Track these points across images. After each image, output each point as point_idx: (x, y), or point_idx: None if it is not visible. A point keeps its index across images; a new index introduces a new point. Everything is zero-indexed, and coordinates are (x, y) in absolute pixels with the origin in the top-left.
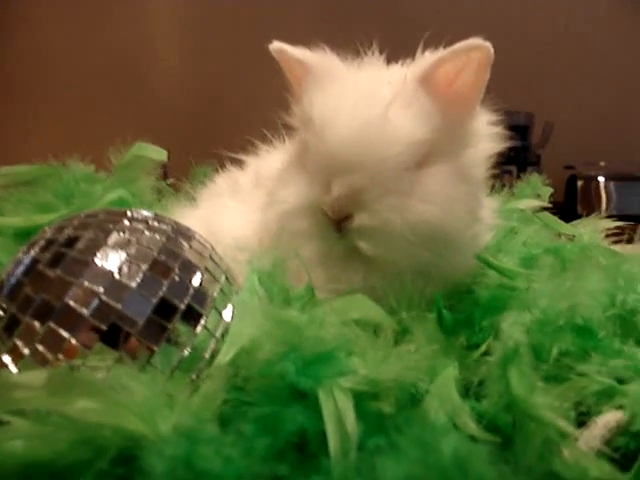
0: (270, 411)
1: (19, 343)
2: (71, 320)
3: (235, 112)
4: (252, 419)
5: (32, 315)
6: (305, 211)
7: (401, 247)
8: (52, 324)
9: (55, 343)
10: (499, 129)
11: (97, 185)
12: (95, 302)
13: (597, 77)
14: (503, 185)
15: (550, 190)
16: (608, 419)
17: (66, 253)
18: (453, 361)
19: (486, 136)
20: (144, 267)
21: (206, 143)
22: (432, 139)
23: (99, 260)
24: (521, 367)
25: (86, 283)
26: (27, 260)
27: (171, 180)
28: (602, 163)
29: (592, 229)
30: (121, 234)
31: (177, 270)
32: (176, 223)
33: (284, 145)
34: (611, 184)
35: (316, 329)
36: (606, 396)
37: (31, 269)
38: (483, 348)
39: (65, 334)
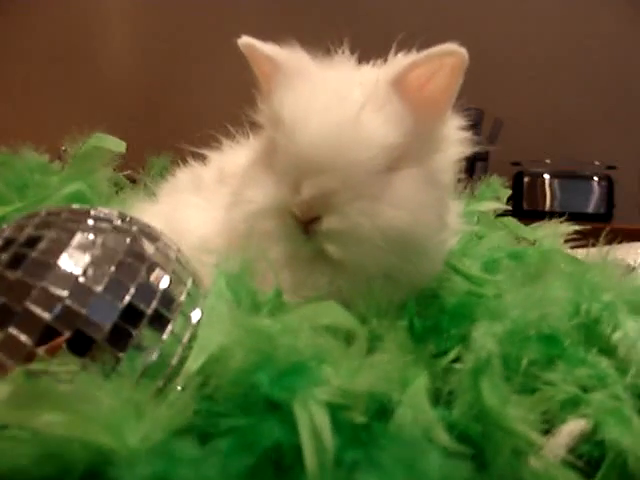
0: (245, 424)
1: None
2: (32, 326)
3: (190, 99)
4: (226, 432)
5: None
6: (272, 212)
7: (369, 252)
8: (11, 330)
9: (15, 350)
10: (468, 134)
11: (53, 177)
12: (59, 307)
13: (546, 75)
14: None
15: (508, 192)
16: (572, 428)
17: (27, 254)
18: (423, 370)
19: (455, 141)
20: (110, 270)
21: (160, 130)
22: (404, 143)
23: (63, 262)
24: (493, 378)
25: (49, 286)
26: None
27: (127, 172)
28: (548, 160)
29: (552, 233)
30: (85, 235)
31: (144, 273)
32: (142, 223)
33: (248, 141)
34: (556, 181)
35: (289, 338)
36: (571, 404)
37: None
38: (451, 356)
39: (26, 340)
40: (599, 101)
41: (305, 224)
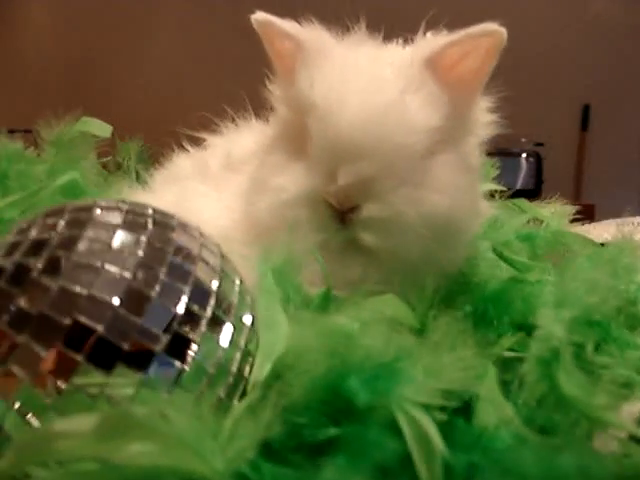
0: (349, 434)
1: (15, 369)
2: (82, 339)
3: (114, 76)
4: (324, 445)
5: (31, 335)
6: (304, 201)
7: (411, 240)
8: (59, 345)
9: (65, 367)
10: (495, 116)
11: (37, 166)
12: (111, 316)
13: None
14: None
15: (497, 172)
16: (631, 409)
17: (66, 257)
18: (487, 361)
19: (484, 123)
20: (161, 271)
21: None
22: (442, 126)
23: (109, 265)
24: (566, 366)
25: (98, 294)
26: (9, 265)
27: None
28: None
29: (558, 213)
30: (127, 232)
31: (196, 273)
32: (178, 216)
33: (252, 124)
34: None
35: (367, 337)
36: (627, 387)
37: (19, 277)
38: (507, 344)
39: (77, 356)
40: (526, 78)
41: (341, 213)
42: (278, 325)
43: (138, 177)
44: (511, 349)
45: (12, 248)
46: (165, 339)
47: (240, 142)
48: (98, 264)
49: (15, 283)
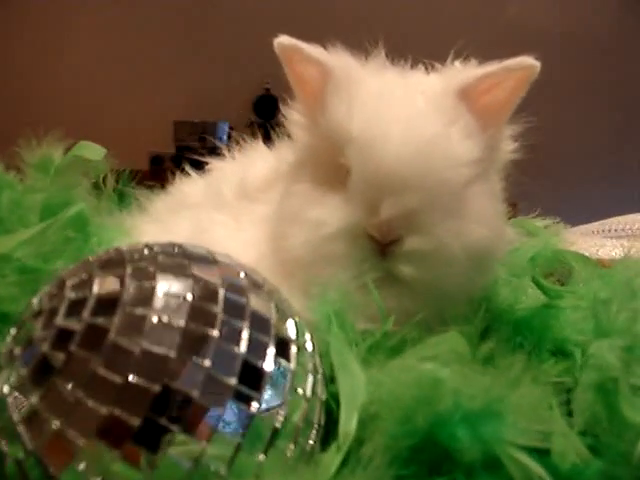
0: None
1: (101, 443)
2: (176, 406)
3: None
4: None
5: (117, 404)
6: (345, 234)
7: (452, 271)
8: (151, 414)
9: (157, 438)
10: (517, 142)
11: (30, 195)
12: (203, 379)
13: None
14: None
15: None
16: None
17: (146, 316)
18: (544, 390)
19: (507, 151)
20: (244, 325)
21: None
22: (479, 157)
23: (193, 322)
24: (625, 393)
25: (186, 355)
26: (78, 327)
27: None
28: None
29: (554, 230)
30: (202, 283)
31: (273, 323)
32: (231, 257)
33: (261, 148)
34: None
35: (453, 380)
36: None
37: (93, 340)
38: (554, 372)
39: (173, 427)
40: None
41: (382, 246)
42: (354, 371)
43: (121, 200)
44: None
45: (75, 306)
46: (258, 397)
47: (253, 168)
48: (181, 323)
49: (89, 347)
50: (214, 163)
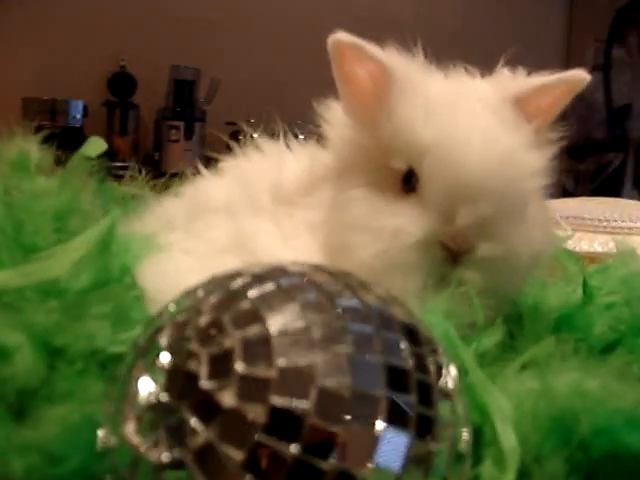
0: None
1: None
2: None
3: None
4: None
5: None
6: (422, 243)
7: (519, 277)
8: None
9: None
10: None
11: (43, 200)
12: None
13: (263, 36)
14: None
15: None
16: None
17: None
18: None
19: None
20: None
21: None
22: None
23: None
24: None
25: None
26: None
27: None
28: (252, 120)
29: None
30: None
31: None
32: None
33: (286, 149)
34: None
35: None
36: None
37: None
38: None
39: None
40: (314, 62)
41: (455, 254)
42: (491, 386)
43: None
44: None
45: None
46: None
47: (285, 169)
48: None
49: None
50: (231, 162)
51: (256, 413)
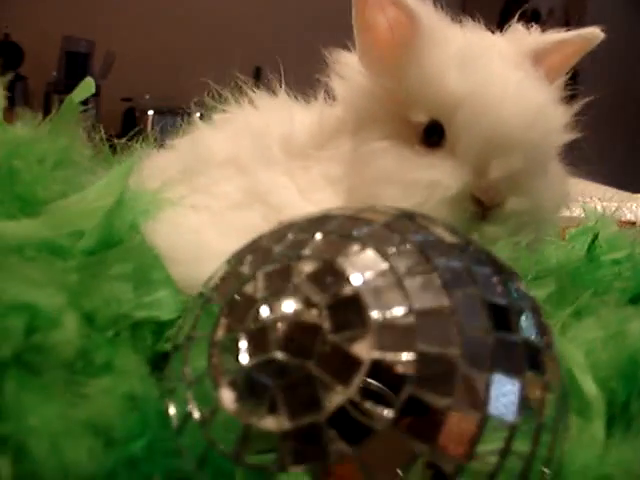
0: None
1: None
2: None
3: None
4: None
5: None
6: (454, 197)
7: (543, 230)
8: None
9: None
10: None
11: (37, 145)
12: None
13: (159, 11)
14: None
15: None
16: None
17: None
18: None
19: None
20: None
21: None
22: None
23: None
24: None
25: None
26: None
27: None
28: (147, 96)
29: None
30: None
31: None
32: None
33: (288, 99)
34: (156, 117)
35: None
36: None
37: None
38: None
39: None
40: (210, 39)
41: (485, 208)
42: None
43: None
44: None
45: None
46: None
47: (295, 121)
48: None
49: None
50: (229, 114)
51: (404, 364)
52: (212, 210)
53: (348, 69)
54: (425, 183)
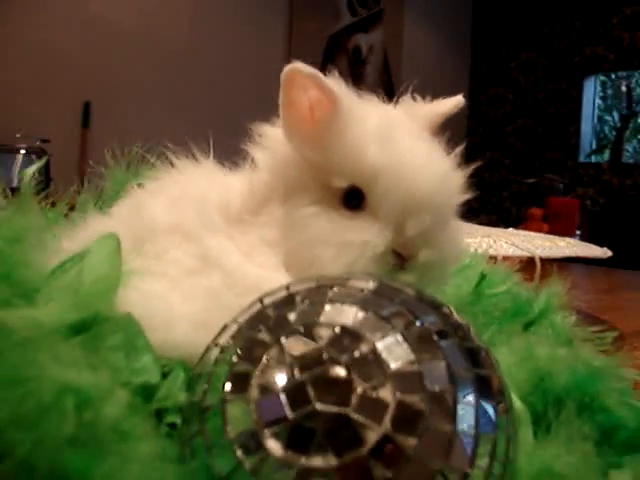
0: None
1: None
2: None
3: None
4: None
5: None
6: (383, 253)
7: (447, 275)
8: None
9: None
10: None
11: None
12: None
13: None
14: None
15: None
16: None
17: None
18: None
19: None
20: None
21: None
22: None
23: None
24: None
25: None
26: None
27: None
28: None
29: None
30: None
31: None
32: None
33: (214, 167)
34: None
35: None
36: None
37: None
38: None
39: None
40: (34, 73)
41: (403, 260)
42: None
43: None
44: None
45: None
46: None
47: (230, 188)
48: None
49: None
50: (160, 181)
51: (417, 404)
52: (170, 276)
53: (271, 142)
54: (358, 243)
